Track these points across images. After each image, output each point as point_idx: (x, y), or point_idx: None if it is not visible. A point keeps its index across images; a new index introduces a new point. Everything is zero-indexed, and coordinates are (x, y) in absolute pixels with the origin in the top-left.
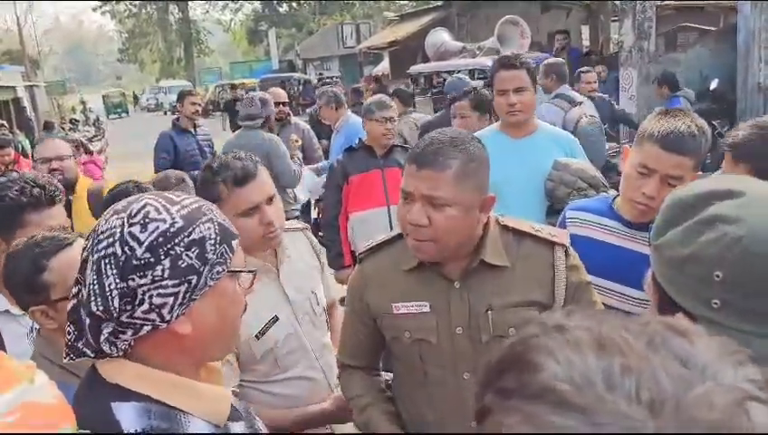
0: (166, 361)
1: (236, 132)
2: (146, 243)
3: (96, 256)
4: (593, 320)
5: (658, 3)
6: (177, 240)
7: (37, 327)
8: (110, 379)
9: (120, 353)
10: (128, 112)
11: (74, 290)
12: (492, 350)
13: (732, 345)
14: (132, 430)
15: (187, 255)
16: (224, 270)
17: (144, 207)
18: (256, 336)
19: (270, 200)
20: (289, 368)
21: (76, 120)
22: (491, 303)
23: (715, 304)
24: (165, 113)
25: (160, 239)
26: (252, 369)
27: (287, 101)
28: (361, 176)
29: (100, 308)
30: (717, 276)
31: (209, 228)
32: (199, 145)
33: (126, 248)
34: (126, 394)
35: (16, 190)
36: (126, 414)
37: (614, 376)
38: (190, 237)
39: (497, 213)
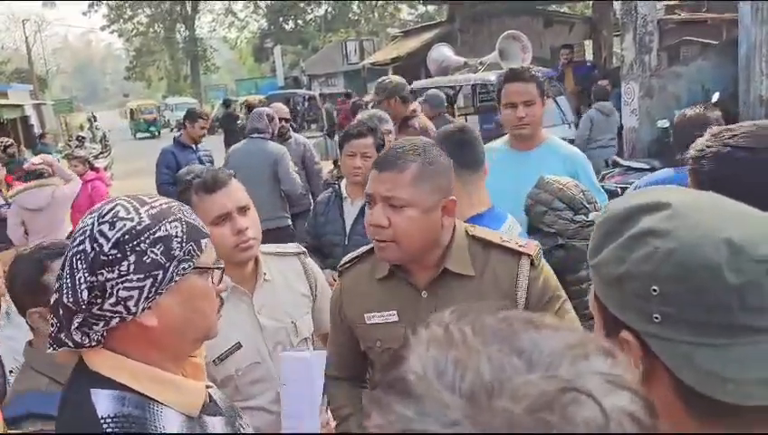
0: (141, 353)
1: (243, 141)
2: (113, 240)
3: (70, 253)
4: (457, 316)
5: (660, 17)
6: (142, 237)
7: (28, 339)
8: (92, 367)
9: (94, 344)
10: (159, 132)
11: (56, 285)
12: None
13: (587, 339)
14: (106, 415)
15: (152, 251)
16: (190, 266)
17: (114, 207)
18: (214, 361)
19: (243, 210)
20: (251, 397)
21: (83, 138)
22: None
23: (656, 318)
24: (171, 130)
25: (126, 236)
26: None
27: (289, 117)
28: None
29: (71, 300)
30: (655, 291)
31: (176, 227)
32: (201, 160)
33: (95, 245)
34: (105, 382)
35: None
36: (102, 400)
37: (445, 367)
38: (155, 235)
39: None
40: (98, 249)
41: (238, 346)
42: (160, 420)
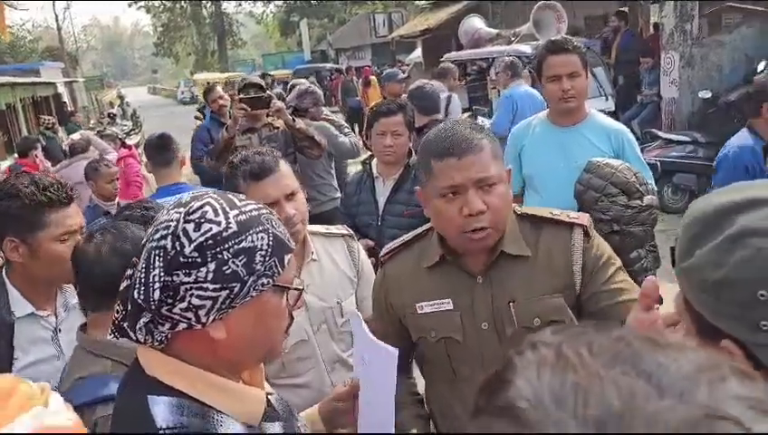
0: (201, 360)
1: None
2: (195, 242)
3: (149, 245)
4: (565, 336)
5: None
6: (226, 245)
7: (82, 322)
8: (149, 371)
9: (156, 344)
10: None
11: (129, 272)
12: (517, 341)
13: (720, 359)
14: (165, 425)
15: (233, 262)
16: (269, 283)
17: (203, 206)
18: None
19: (290, 196)
20: (297, 374)
21: (114, 114)
22: (514, 295)
23: (765, 325)
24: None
25: (210, 242)
26: None
27: None
28: None
29: (141, 297)
30: (762, 296)
31: (262, 238)
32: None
33: (176, 244)
34: (162, 388)
35: (33, 189)
36: (160, 408)
37: (563, 393)
38: (240, 245)
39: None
40: (178, 249)
41: None
42: (221, 431)
